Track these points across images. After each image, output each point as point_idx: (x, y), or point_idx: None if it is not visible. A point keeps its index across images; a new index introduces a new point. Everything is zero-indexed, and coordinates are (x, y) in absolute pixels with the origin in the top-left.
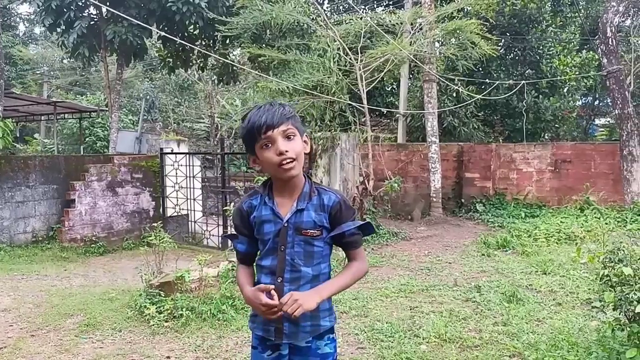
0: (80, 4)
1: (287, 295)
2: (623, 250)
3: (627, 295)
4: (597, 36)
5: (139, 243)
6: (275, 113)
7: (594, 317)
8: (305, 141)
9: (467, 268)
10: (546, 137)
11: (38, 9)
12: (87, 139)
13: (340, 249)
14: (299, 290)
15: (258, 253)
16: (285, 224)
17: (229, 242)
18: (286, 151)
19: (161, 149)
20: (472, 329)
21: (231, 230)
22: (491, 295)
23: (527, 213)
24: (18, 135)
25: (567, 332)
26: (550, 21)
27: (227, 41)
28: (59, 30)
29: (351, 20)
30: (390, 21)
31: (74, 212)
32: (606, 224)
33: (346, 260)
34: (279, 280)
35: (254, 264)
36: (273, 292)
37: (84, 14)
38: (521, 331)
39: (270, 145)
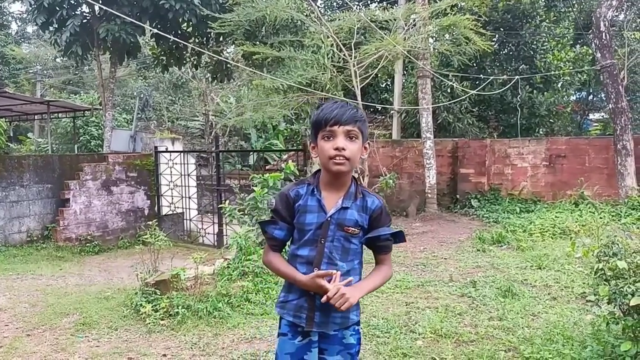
0: (73, 2)
1: (334, 288)
2: (617, 244)
3: (622, 289)
4: (590, 31)
5: (135, 242)
6: (346, 112)
7: (588, 310)
8: (365, 147)
9: (462, 263)
10: (540, 132)
11: (30, 8)
12: (81, 138)
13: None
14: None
15: (292, 242)
16: (329, 218)
17: (224, 240)
18: (343, 149)
19: (156, 148)
20: (468, 324)
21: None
22: (486, 291)
23: (522, 208)
24: (11, 135)
25: (562, 326)
26: (544, 16)
27: (221, 38)
28: (51, 28)
29: (344, 16)
30: (383, 17)
31: (69, 212)
32: (600, 218)
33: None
34: (314, 271)
35: (286, 253)
36: (334, 276)
37: (76, 12)
38: (516, 326)
39: (331, 138)
